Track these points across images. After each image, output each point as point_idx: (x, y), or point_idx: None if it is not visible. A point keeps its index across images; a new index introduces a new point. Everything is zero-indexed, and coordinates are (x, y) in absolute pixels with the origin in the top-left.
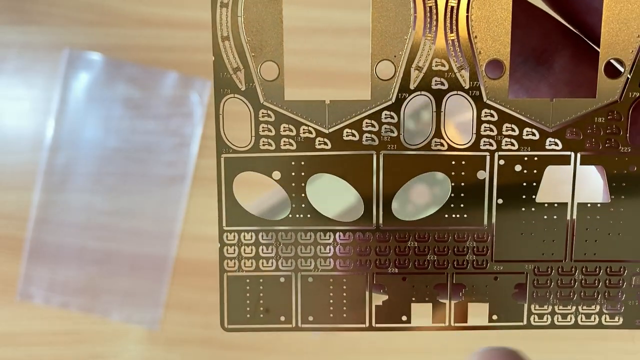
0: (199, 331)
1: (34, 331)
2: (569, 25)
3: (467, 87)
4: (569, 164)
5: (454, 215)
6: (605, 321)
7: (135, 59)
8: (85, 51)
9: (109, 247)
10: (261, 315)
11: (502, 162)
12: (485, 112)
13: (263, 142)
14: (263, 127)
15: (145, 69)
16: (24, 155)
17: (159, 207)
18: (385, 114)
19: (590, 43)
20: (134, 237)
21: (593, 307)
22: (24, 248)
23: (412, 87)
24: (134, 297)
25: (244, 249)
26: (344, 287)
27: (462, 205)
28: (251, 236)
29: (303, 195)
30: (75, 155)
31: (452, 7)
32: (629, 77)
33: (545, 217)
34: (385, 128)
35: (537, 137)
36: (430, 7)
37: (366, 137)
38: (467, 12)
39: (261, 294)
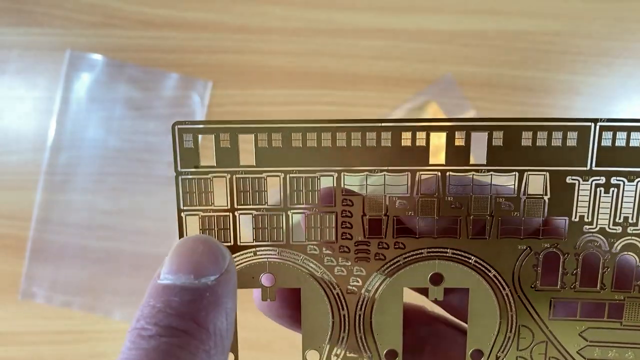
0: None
1: (36, 330)
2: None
3: None
4: None
5: None
6: None
7: (137, 60)
8: (87, 52)
9: (111, 246)
10: None
11: None
12: None
13: None
14: None
15: (146, 70)
16: (26, 155)
17: (160, 207)
18: None
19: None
20: (136, 236)
21: None
22: (26, 248)
23: None
24: (136, 296)
25: None
26: None
27: None
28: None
29: None
30: (76, 155)
31: (360, 315)
32: None
33: None
34: None
35: None
36: (345, 315)
37: None
38: (371, 318)
39: None
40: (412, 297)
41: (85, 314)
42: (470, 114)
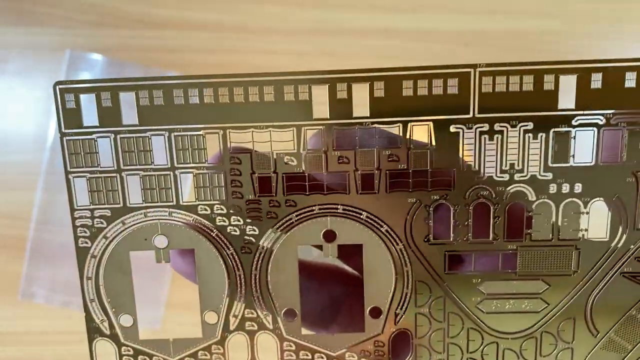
0: (200, 330)
1: (35, 330)
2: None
3: (271, 327)
4: None
5: None
6: None
7: (137, 60)
8: (87, 52)
9: None
10: None
11: None
12: (286, 344)
13: None
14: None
15: (146, 70)
16: (26, 155)
17: None
18: (214, 347)
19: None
20: None
21: None
22: (26, 248)
23: (232, 328)
24: (136, 296)
25: None
26: None
27: None
28: None
29: None
30: None
31: (255, 275)
32: (386, 318)
33: None
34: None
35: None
36: (240, 275)
37: None
38: (267, 277)
39: None
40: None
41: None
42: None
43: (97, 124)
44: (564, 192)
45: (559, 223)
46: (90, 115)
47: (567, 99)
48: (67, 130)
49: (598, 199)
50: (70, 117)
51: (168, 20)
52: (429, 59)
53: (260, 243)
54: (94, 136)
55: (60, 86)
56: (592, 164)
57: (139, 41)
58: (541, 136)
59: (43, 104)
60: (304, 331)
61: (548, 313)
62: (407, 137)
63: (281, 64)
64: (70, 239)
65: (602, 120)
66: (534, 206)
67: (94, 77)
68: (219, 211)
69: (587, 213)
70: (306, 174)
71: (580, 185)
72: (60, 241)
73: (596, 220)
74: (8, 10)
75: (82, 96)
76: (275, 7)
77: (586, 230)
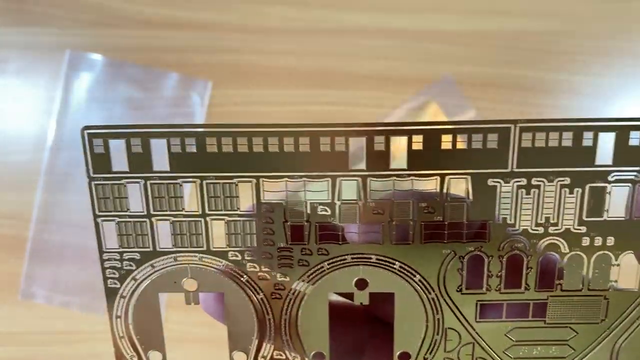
0: (200, 330)
1: (35, 330)
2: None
3: None
4: None
5: None
6: None
7: (137, 60)
8: (87, 52)
9: None
10: None
11: None
12: None
13: None
14: None
15: (146, 70)
16: (26, 155)
17: None
18: None
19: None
20: None
21: None
22: (26, 248)
23: None
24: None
25: None
26: None
27: None
28: None
29: None
30: (76, 155)
31: (286, 320)
32: None
33: None
34: None
35: None
36: (270, 319)
37: None
38: (297, 322)
39: None
40: None
41: (85, 314)
42: (471, 114)
43: (127, 169)
44: (596, 244)
45: (590, 274)
46: (119, 161)
47: (604, 155)
48: (95, 175)
49: (629, 252)
50: (98, 162)
51: (168, 20)
52: (429, 59)
53: (291, 289)
54: (123, 181)
55: (89, 131)
56: (625, 218)
57: (139, 41)
58: (577, 191)
59: (43, 104)
60: None
61: (574, 358)
62: (444, 189)
63: (280, 63)
64: (70, 238)
65: (638, 177)
66: (566, 258)
67: (94, 77)
68: (250, 257)
69: (618, 265)
70: (340, 224)
71: (612, 238)
72: (60, 241)
73: (626, 271)
74: (8, 10)
75: (111, 141)
76: (275, 7)
77: (616, 281)
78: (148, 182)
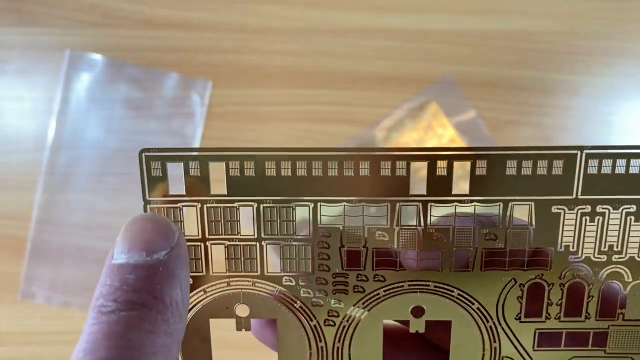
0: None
1: (35, 330)
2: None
3: None
4: None
5: None
6: None
7: (137, 60)
8: (87, 52)
9: (110, 246)
10: None
11: None
12: None
13: None
14: None
15: (146, 70)
16: (26, 155)
17: None
18: None
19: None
20: None
21: None
22: (26, 248)
23: None
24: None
25: None
26: None
27: None
28: None
29: None
30: (76, 155)
31: (338, 347)
32: None
33: None
34: None
35: None
36: (322, 347)
37: None
38: (349, 350)
39: None
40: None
41: (85, 314)
42: (471, 113)
43: (184, 193)
44: None
45: None
46: (176, 184)
47: None
48: (151, 198)
49: None
50: (155, 185)
51: (168, 20)
52: (429, 59)
53: (345, 315)
54: (179, 205)
55: (147, 153)
56: None
57: (139, 41)
58: None
59: (43, 104)
60: None
61: None
62: (507, 216)
63: (280, 63)
64: (70, 239)
65: None
66: (629, 287)
67: (94, 77)
68: (304, 283)
69: None
70: (398, 250)
71: None
72: (60, 241)
73: None
74: (8, 10)
75: (168, 164)
76: (274, 7)
77: None
78: (205, 206)
